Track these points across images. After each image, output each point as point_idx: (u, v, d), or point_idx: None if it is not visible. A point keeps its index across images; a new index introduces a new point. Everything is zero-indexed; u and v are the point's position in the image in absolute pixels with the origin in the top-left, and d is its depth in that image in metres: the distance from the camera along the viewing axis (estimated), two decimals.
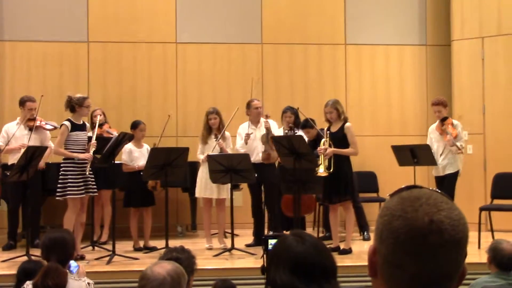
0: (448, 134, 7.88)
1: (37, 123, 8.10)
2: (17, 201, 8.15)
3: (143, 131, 8.19)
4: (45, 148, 7.44)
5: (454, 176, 8.02)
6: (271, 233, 7.87)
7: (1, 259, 7.25)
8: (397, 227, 1.29)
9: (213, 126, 8.03)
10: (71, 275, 3.94)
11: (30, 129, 8.07)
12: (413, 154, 7.79)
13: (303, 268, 2.09)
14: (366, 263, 1.37)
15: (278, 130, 8.30)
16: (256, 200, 8.19)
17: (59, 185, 7.12)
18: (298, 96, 9.78)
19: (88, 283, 4.01)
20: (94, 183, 7.31)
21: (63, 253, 4.00)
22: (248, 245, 7.83)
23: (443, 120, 8.07)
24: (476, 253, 7.06)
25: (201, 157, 8.00)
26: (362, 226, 8.69)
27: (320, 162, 7.33)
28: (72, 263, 4.25)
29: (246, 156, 7.48)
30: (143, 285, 3.02)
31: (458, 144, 7.86)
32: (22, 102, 8.18)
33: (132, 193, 7.98)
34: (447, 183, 7.85)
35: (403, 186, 1.40)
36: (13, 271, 4.49)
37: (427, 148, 7.85)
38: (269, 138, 7.89)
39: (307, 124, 8.31)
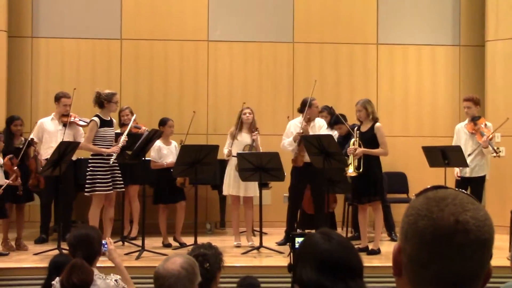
0: (483, 135, 7.70)
1: (71, 119, 8.19)
2: (50, 195, 8.26)
3: (171, 128, 8.24)
4: (77, 143, 7.51)
5: (482, 180, 7.86)
6: (298, 231, 7.86)
7: (33, 252, 7.38)
8: (423, 227, 1.29)
9: (246, 121, 8.04)
10: (100, 274, 3.96)
11: (64, 125, 8.17)
12: (444, 155, 7.63)
13: (329, 265, 2.09)
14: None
15: (325, 128, 8.07)
16: (295, 200, 8.08)
17: (87, 181, 7.21)
18: (329, 96, 9.75)
19: (116, 280, 4.02)
20: (121, 179, 7.39)
21: (88, 250, 3.99)
22: (278, 243, 7.83)
23: (475, 119, 7.90)
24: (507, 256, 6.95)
25: (225, 151, 8.00)
26: (390, 226, 8.63)
27: (350, 162, 7.30)
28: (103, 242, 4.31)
29: (275, 155, 7.47)
30: (160, 284, 3.04)
31: (494, 146, 7.68)
32: (58, 98, 8.28)
33: (161, 189, 8.04)
34: (474, 186, 7.67)
35: (428, 186, 1.40)
36: (45, 264, 4.56)
37: (458, 150, 7.64)
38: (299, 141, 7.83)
39: (338, 120, 8.30)
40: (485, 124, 7.86)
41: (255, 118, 8.17)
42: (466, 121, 8.03)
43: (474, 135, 7.82)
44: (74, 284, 3.69)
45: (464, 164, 7.60)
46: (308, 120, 7.92)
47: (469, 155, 7.73)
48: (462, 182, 7.74)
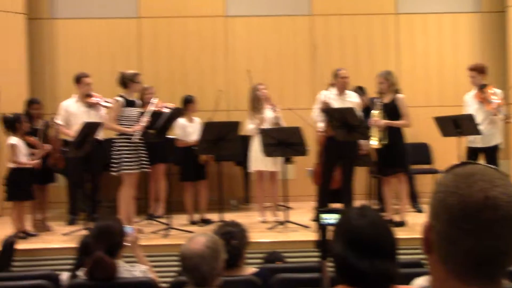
0: (492, 102, 7.50)
1: (95, 99, 8.18)
2: (76, 176, 8.31)
3: (195, 105, 8.26)
4: (101, 123, 7.55)
5: (495, 149, 7.68)
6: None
7: (61, 232, 7.48)
8: (452, 204, 1.29)
9: (262, 97, 8.02)
10: (125, 264, 3.96)
11: (88, 106, 8.19)
12: (456, 125, 7.45)
13: (357, 242, 2.10)
14: (420, 236, 1.37)
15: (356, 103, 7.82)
16: (327, 174, 7.87)
17: (114, 161, 7.23)
18: (349, 68, 9.63)
19: (143, 271, 4.00)
20: (147, 158, 7.40)
21: (109, 242, 3.92)
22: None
23: (482, 87, 7.67)
24: None
25: (251, 126, 8.00)
26: (413, 197, 8.59)
27: (373, 134, 7.28)
28: (127, 227, 4.33)
29: (297, 130, 7.46)
30: (186, 264, 3.09)
31: (504, 112, 7.51)
32: (78, 79, 8.22)
33: (187, 167, 8.08)
34: (487, 157, 7.53)
35: (457, 163, 1.39)
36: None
37: (470, 118, 7.44)
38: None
39: (358, 92, 8.23)
40: (493, 91, 7.63)
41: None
42: (475, 90, 7.82)
43: (483, 104, 7.65)
44: (98, 278, 3.73)
45: (476, 131, 7.42)
46: (340, 91, 7.80)
47: (479, 124, 7.50)
48: (474, 153, 7.62)
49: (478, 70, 7.77)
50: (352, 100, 7.74)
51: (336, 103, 7.66)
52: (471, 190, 1.28)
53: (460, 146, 7.57)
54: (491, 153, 7.64)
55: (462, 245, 1.28)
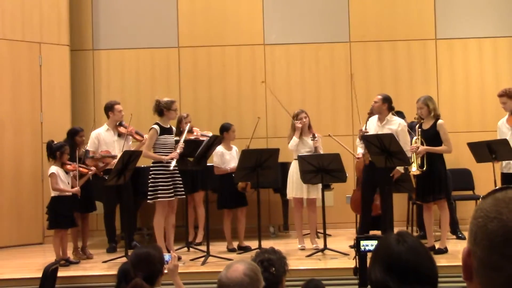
0: None
1: (128, 130, 8.30)
2: (112, 204, 8.41)
3: (234, 133, 8.30)
4: (140, 152, 7.63)
5: None
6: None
7: (100, 260, 7.54)
8: (492, 229, 1.26)
9: (302, 125, 8.00)
10: None
11: (119, 135, 8.32)
12: (490, 150, 7.29)
13: (397, 268, 2.07)
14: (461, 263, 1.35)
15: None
16: (366, 200, 7.80)
17: (150, 188, 7.30)
18: (388, 93, 9.57)
19: None
20: (182, 185, 7.45)
21: (148, 269, 3.93)
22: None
23: None
24: None
25: (292, 142, 7.94)
26: (454, 224, 8.41)
27: (413, 161, 7.20)
28: (166, 255, 4.33)
29: (336, 156, 7.43)
30: None
31: None
32: (111, 106, 8.37)
33: (225, 195, 8.10)
34: None
35: (496, 188, 1.37)
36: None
37: (505, 143, 7.27)
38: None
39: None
40: None
41: (313, 120, 8.12)
42: (507, 116, 7.61)
43: None
44: None
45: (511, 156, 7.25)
46: (371, 115, 7.73)
47: None
48: (509, 179, 7.36)
49: (508, 95, 7.64)
50: (390, 127, 7.63)
51: (375, 129, 7.60)
52: None
53: (498, 172, 7.44)
54: None
55: (504, 272, 1.25)
